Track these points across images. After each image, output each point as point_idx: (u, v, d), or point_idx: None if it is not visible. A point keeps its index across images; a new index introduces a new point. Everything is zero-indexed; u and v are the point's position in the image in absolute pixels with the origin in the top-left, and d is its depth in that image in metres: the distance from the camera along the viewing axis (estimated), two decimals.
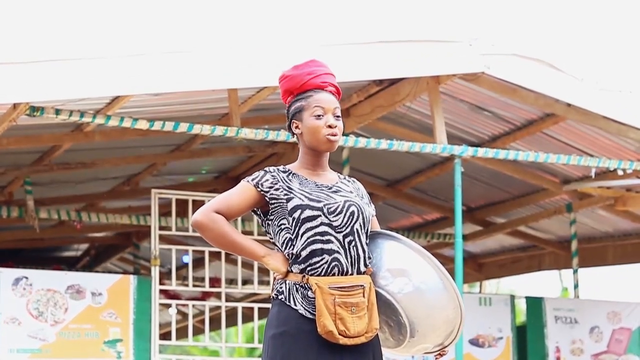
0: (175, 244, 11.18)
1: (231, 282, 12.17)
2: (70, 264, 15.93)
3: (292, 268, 3.71)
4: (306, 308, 3.67)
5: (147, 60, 7.42)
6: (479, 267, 14.86)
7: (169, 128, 7.93)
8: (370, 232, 3.85)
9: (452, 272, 8.19)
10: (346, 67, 7.84)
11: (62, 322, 9.17)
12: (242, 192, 3.77)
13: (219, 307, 10.64)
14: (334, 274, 3.67)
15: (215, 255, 11.14)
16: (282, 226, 3.73)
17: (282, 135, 8.28)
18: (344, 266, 3.69)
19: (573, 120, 9.23)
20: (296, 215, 3.69)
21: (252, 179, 3.77)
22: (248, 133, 8.20)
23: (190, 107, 8.97)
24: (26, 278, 9.16)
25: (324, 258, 3.68)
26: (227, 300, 10.47)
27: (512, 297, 11.44)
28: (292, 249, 3.70)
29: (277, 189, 3.73)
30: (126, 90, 7.51)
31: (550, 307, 11.36)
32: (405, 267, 3.73)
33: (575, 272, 12.07)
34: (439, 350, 3.83)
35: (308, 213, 3.69)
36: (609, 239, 12.75)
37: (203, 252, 10.54)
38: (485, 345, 10.99)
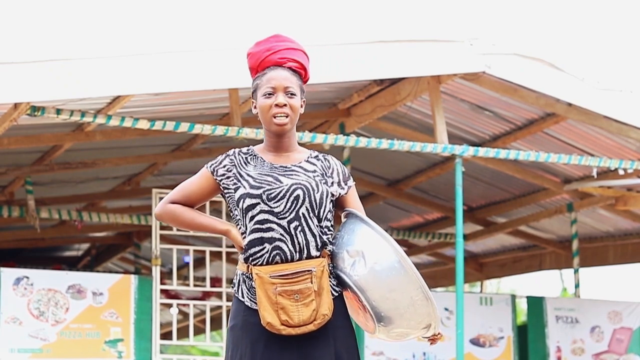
0: (176, 244, 11.18)
1: (232, 281, 12.16)
2: (71, 264, 15.94)
3: (240, 257, 3.61)
4: (251, 299, 3.57)
5: (148, 60, 7.42)
6: (479, 267, 14.86)
7: (170, 128, 7.92)
8: (344, 210, 3.68)
9: (452, 272, 8.24)
10: (346, 67, 7.85)
11: (63, 322, 9.17)
12: (200, 180, 3.68)
13: (219, 307, 10.63)
14: (276, 262, 3.52)
15: (216, 255, 11.14)
16: (236, 217, 3.62)
17: None
18: (288, 253, 3.52)
19: (574, 119, 9.22)
20: (241, 205, 3.57)
21: (211, 165, 3.68)
22: (249, 133, 8.19)
23: (190, 106, 8.97)
24: (27, 278, 9.16)
25: (265, 247, 3.53)
26: (228, 300, 10.46)
27: (513, 297, 11.43)
28: (245, 240, 3.59)
29: (228, 177, 3.63)
30: (127, 90, 7.51)
31: (551, 307, 11.36)
32: (361, 249, 3.54)
33: (576, 271, 12.07)
34: (430, 336, 3.60)
35: (248, 202, 3.55)
36: (609, 238, 12.75)
37: (204, 251, 10.53)
38: (486, 344, 10.99)
